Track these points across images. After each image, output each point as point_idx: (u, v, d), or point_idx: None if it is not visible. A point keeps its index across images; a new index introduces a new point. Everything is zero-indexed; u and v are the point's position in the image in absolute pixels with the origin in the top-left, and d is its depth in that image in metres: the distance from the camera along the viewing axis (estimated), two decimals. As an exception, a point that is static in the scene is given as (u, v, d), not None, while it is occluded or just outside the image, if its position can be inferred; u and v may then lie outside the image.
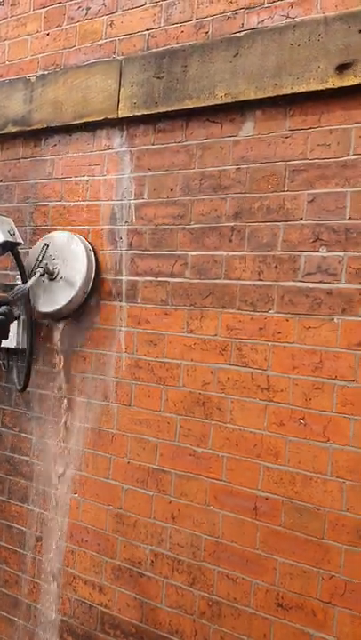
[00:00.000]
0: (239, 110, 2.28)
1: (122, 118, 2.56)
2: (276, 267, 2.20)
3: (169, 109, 2.41)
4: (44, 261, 2.69)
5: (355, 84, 2.00)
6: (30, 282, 2.21)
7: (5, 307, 1.63)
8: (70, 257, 2.64)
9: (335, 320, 2.09)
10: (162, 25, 2.48)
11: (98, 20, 2.71)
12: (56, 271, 2.67)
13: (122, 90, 2.53)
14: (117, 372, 2.59)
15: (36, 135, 2.89)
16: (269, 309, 2.23)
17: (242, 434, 2.26)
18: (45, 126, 2.80)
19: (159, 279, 2.48)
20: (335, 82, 2.04)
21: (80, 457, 2.70)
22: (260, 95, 2.18)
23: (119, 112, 2.54)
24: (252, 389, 2.24)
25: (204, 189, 2.37)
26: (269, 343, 2.23)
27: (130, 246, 2.57)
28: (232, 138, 2.31)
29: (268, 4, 2.23)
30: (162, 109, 2.42)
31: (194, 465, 2.37)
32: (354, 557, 2.01)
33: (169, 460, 2.44)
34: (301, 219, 2.16)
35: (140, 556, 2.50)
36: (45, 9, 2.90)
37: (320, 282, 2.12)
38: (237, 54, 2.23)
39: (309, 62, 2.08)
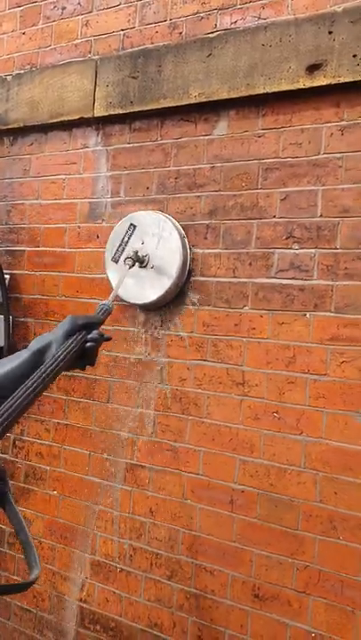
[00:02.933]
0: (213, 110, 2.31)
1: (98, 117, 2.58)
2: (250, 264, 2.24)
3: (144, 109, 2.43)
4: (131, 245, 2.38)
5: (325, 84, 2.04)
6: (110, 298, 1.71)
7: (96, 331, 1.35)
8: (163, 243, 2.34)
9: (307, 316, 2.13)
10: (136, 25, 2.51)
11: (73, 19, 2.73)
12: (146, 259, 2.35)
13: (97, 89, 2.55)
14: (94, 371, 2.61)
15: (12, 134, 2.89)
16: (244, 306, 2.26)
17: (218, 428, 2.29)
18: (22, 125, 2.81)
19: (136, 277, 2.50)
20: (306, 82, 2.08)
21: (59, 453, 2.72)
22: (233, 95, 2.22)
23: (95, 111, 2.56)
24: (227, 385, 2.28)
25: (180, 187, 2.41)
26: (244, 339, 2.26)
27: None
28: (206, 137, 2.34)
29: (240, 5, 2.27)
30: (137, 109, 2.45)
31: (171, 460, 2.40)
32: (327, 547, 2.06)
33: (146, 455, 2.46)
34: (275, 216, 2.20)
35: (119, 552, 2.52)
36: (21, 8, 2.91)
37: (293, 278, 2.16)
38: (211, 55, 2.26)
39: (281, 63, 2.12)
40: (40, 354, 1.25)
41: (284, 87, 2.12)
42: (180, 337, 2.39)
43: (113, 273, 2.44)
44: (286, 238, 2.17)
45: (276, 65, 2.13)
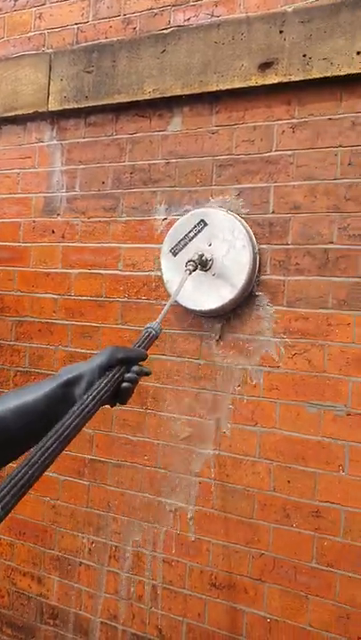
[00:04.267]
0: (167, 106, 2.33)
1: (52, 112, 2.56)
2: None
3: (99, 103, 2.43)
4: (196, 244, 2.18)
5: (276, 82, 2.08)
6: (160, 318, 1.48)
7: (137, 367, 1.18)
8: (233, 254, 2.14)
9: (261, 310, 2.17)
10: (90, 19, 2.50)
11: (26, 11, 2.70)
12: (210, 263, 2.17)
13: (52, 83, 2.54)
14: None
15: (-35, 127, 2.85)
16: (200, 300, 2.29)
17: (176, 422, 2.32)
18: (-25, 119, 2.77)
19: (92, 271, 2.50)
20: (258, 80, 2.12)
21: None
22: (186, 91, 2.24)
23: (49, 105, 2.55)
24: (185, 378, 2.31)
25: (135, 182, 2.42)
26: (202, 333, 2.29)
27: (62, 238, 2.58)
28: (161, 132, 2.36)
29: (193, 2, 2.29)
30: (92, 103, 2.44)
31: (130, 453, 2.42)
32: (281, 535, 2.11)
33: (105, 449, 2.48)
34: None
35: (78, 546, 2.53)
36: (-27, -1, 2.86)
37: (247, 273, 2.20)
38: (165, 51, 2.27)
39: (233, 60, 2.15)
40: (69, 386, 1.07)
41: (237, 85, 2.15)
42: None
43: (168, 264, 2.27)
44: (240, 234, 2.21)
45: (229, 62, 2.16)
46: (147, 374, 1.22)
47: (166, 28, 2.31)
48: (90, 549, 2.50)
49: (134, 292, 2.41)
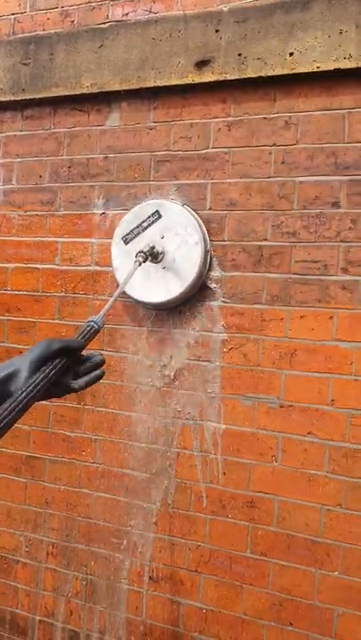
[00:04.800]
0: (105, 101, 2.33)
1: (-12, 103, 2.52)
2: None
3: (36, 97, 2.40)
4: (148, 234, 2.15)
5: (212, 80, 2.11)
6: (103, 312, 1.38)
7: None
8: (183, 244, 2.13)
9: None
10: (27, 10, 2.46)
11: None
12: (161, 256, 2.15)
13: (-13, 74, 2.49)
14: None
15: None
16: (138, 295, 2.30)
17: (114, 417, 2.33)
18: None
19: (29, 266, 2.47)
20: (195, 77, 2.14)
21: None
22: (124, 87, 2.24)
23: (-15, 96, 2.50)
24: (123, 373, 2.31)
25: (73, 176, 2.40)
26: (139, 328, 2.30)
27: (-1, 233, 2.54)
28: (99, 127, 2.35)
29: (131, -3, 2.29)
30: (29, 96, 2.41)
31: (67, 450, 2.41)
32: (217, 526, 2.15)
33: (42, 446, 2.45)
34: (166, 208, 2.25)
35: (15, 544, 2.50)
36: None
37: (184, 268, 2.22)
38: (103, 45, 2.27)
39: (170, 57, 2.16)
40: (5, 382, 1.04)
41: (174, 81, 2.17)
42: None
43: (118, 252, 2.24)
44: (177, 229, 2.23)
45: (167, 59, 2.17)
46: (101, 364, 1.18)
47: (104, 23, 2.30)
48: (27, 547, 2.47)
49: (72, 286, 2.39)
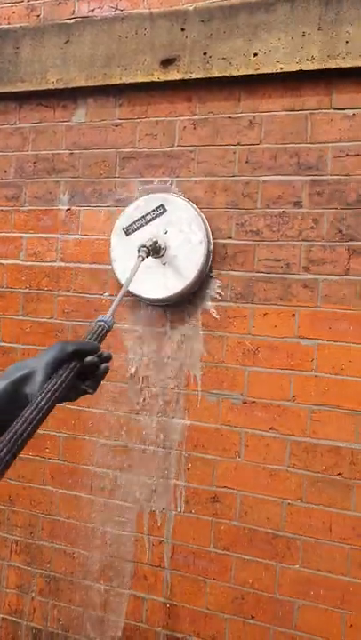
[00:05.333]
0: (71, 97, 2.32)
1: None
2: (109, 250, 2.28)
3: (1, 91, 2.38)
4: (151, 228, 2.10)
5: (178, 79, 2.13)
6: (111, 310, 1.36)
7: (91, 358, 1.09)
8: (187, 248, 2.09)
9: (163, 301, 2.22)
10: (-7, 4, 2.45)
11: None
12: (163, 251, 2.10)
13: None
14: None
15: None
16: (104, 292, 2.30)
17: (79, 414, 2.32)
18: None
19: (-7, 262, 2.46)
20: (160, 76, 2.15)
21: None
22: (90, 83, 2.24)
23: None
24: (86, 369, 2.31)
25: (39, 172, 2.39)
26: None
27: None
28: (65, 123, 2.35)
29: (98, -7, 2.29)
30: (-6, 90, 2.39)
31: (31, 447, 2.39)
32: (181, 522, 2.16)
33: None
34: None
35: (-23, 542, 2.48)
36: None
37: (149, 265, 2.23)
38: (69, 41, 2.26)
39: (136, 55, 2.17)
40: (19, 384, 1.00)
41: (140, 79, 2.17)
42: None
43: (118, 242, 2.19)
44: (143, 226, 2.24)
45: (133, 57, 2.18)
46: (108, 359, 1.12)
47: (70, 18, 2.30)
48: (-10, 545, 2.46)
49: (36, 282, 2.38)
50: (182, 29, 2.12)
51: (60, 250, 2.34)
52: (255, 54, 2.02)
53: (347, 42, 1.92)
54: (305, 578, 1.99)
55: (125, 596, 2.24)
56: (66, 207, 2.34)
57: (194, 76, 2.10)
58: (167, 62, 2.14)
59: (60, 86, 2.29)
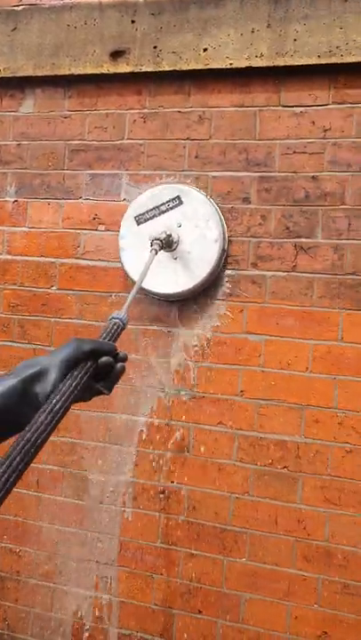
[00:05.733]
0: (19, 86, 2.27)
1: None
2: (57, 244, 2.25)
3: None
4: (165, 220, 2.01)
5: (127, 71, 2.11)
6: (125, 307, 1.31)
7: (106, 359, 1.02)
8: (202, 238, 2.01)
9: (113, 297, 2.19)
10: None
11: None
12: (175, 245, 2.01)
13: None
14: None
15: None
16: (52, 286, 2.27)
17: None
18: None
19: None
20: (110, 67, 2.13)
21: None
22: (38, 73, 2.20)
23: None
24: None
25: (-15, 163, 2.33)
26: (52, 319, 2.27)
27: None
28: (12, 113, 2.29)
29: (46, -19, 2.24)
30: None
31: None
32: (129, 518, 2.15)
33: None
34: (81, 197, 2.22)
35: None
36: None
37: (99, 260, 2.21)
38: (16, 28, 2.21)
39: (85, 45, 2.14)
40: (30, 382, 0.94)
41: (89, 70, 2.14)
42: (-15, 317, 2.33)
43: (128, 230, 2.10)
44: (92, 219, 2.21)
45: (82, 47, 2.14)
46: (124, 359, 1.06)
47: (18, 5, 2.24)
48: None
49: (-18, 276, 2.33)
50: (132, 21, 2.10)
51: (6, 242, 2.29)
52: (205, 49, 2.02)
53: (295, 40, 1.94)
54: (251, 571, 2.01)
55: (72, 594, 2.21)
56: (13, 199, 2.29)
57: (144, 69, 2.09)
58: (117, 54, 2.11)
59: (8, 75, 2.23)
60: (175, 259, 2.02)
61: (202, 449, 2.07)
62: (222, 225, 2.03)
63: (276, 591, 1.98)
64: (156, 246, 1.87)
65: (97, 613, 2.18)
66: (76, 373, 0.96)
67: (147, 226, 2.04)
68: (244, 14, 1.99)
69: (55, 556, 2.23)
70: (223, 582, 2.04)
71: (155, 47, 2.07)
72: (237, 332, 2.05)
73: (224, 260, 2.05)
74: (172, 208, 2.03)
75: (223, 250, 2.03)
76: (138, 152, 2.16)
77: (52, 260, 2.25)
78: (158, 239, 1.90)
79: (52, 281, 2.26)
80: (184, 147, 2.11)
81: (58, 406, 0.89)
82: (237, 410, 2.04)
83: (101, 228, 2.20)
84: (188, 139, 2.10)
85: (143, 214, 2.07)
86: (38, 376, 0.94)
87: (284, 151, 2.00)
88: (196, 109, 2.09)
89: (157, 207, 2.05)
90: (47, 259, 2.26)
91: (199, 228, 2.02)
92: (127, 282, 2.15)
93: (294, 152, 1.99)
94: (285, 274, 2.00)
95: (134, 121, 2.16)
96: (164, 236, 1.94)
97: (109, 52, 2.12)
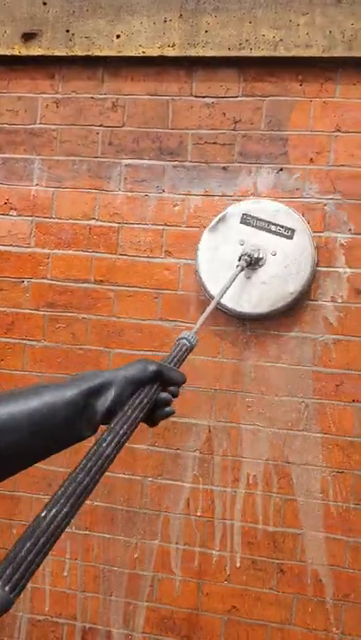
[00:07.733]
0: None
1: None
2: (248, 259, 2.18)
3: None
4: (266, 239, 1.91)
5: (39, 54, 2.07)
6: (197, 327, 1.27)
7: (174, 388, 0.97)
8: (283, 280, 1.92)
9: (25, 283, 2.17)
10: None
11: None
12: (257, 268, 1.91)
13: None
14: None
15: None
16: (-36, 274, 2.21)
17: None
18: None
19: None
20: (21, 50, 2.08)
21: None
22: None
23: None
24: None
25: None
26: None
27: None
28: None
29: None
30: None
31: None
32: (42, 504, 2.14)
33: None
34: (-8, 182, 2.18)
35: None
36: None
37: (10, 245, 2.17)
38: None
39: (-4, 26, 2.09)
40: (90, 396, 0.87)
41: (0, 52, 2.09)
42: None
43: (213, 230, 1.99)
44: (4, 204, 2.17)
45: (-8, 27, 2.09)
46: (175, 396, 0.99)
47: None
48: None
49: None
50: (44, 3, 2.06)
51: None
52: (118, 36, 2.02)
53: (206, 31, 1.97)
54: (163, 551, 2.06)
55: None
56: None
57: (56, 53, 2.06)
58: (29, 36, 2.08)
59: None
60: (248, 278, 1.93)
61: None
62: (306, 282, 1.94)
63: (187, 570, 2.04)
64: (243, 262, 1.81)
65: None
66: (141, 398, 0.90)
67: (245, 230, 1.95)
68: (158, 3, 2.00)
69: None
70: (136, 564, 2.08)
71: (67, 31, 2.05)
72: (152, 318, 2.08)
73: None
74: (279, 235, 1.94)
75: (294, 300, 1.95)
76: (50, 137, 2.13)
77: None
78: (249, 255, 1.85)
79: None
80: (97, 133, 2.10)
81: (121, 432, 0.83)
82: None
83: (13, 213, 2.17)
84: (101, 125, 2.10)
85: (253, 217, 1.96)
86: (99, 390, 0.89)
87: (196, 141, 2.03)
88: (109, 96, 2.09)
89: (269, 222, 1.95)
90: None
91: (286, 272, 1.93)
92: (35, 269, 2.13)
93: (205, 142, 2.03)
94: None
95: (47, 105, 2.13)
96: (255, 255, 1.88)
97: (21, 34, 2.07)
